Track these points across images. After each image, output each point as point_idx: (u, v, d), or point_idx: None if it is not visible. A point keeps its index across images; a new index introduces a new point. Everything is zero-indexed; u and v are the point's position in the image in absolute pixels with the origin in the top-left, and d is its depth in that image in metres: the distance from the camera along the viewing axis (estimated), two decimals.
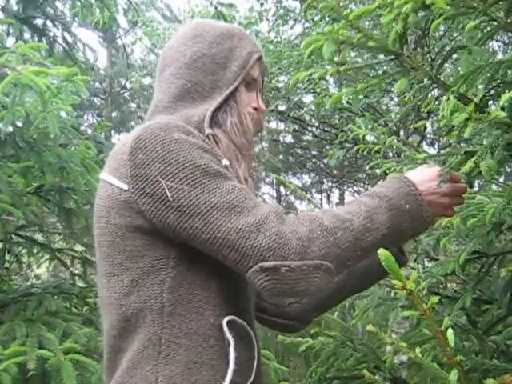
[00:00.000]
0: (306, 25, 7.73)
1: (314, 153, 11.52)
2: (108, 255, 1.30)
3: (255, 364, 1.34)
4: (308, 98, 8.53)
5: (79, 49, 5.01)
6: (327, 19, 6.81)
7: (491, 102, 1.45)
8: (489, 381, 1.12)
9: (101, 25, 4.87)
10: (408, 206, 1.32)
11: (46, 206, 4.04)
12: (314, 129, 9.78)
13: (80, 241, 4.79)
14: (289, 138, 12.22)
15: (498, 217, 1.64)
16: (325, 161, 10.01)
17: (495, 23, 1.34)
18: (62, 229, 4.83)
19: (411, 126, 6.27)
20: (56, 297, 3.55)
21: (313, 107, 7.92)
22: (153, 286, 1.26)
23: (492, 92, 1.42)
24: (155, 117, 1.42)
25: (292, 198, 13.44)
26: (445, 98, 1.38)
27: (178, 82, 1.43)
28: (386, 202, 1.31)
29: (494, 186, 2.30)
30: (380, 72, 6.52)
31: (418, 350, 1.16)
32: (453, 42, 6.35)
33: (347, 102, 7.71)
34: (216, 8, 5.25)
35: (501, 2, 1.31)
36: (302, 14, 7.61)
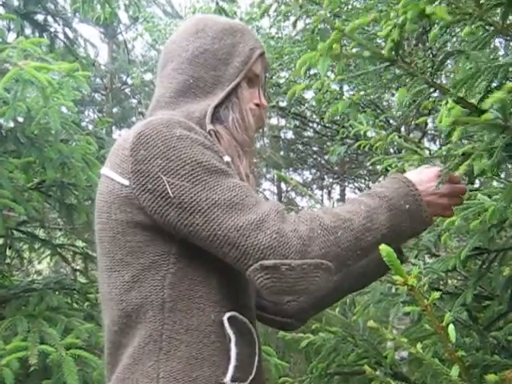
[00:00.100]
0: (308, 20, 7.71)
1: (314, 149, 11.53)
2: (109, 251, 1.30)
3: (256, 360, 1.34)
4: (309, 94, 8.53)
5: (80, 44, 5.01)
6: (328, 15, 6.80)
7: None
8: (490, 376, 1.12)
9: (102, 20, 4.87)
10: (407, 206, 1.32)
11: (47, 201, 4.04)
12: (314, 125, 9.78)
13: (81, 236, 4.80)
14: (290, 134, 12.23)
15: (498, 217, 1.64)
16: (326, 157, 10.02)
17: (492, 28, 1.34)
18: (63, 224, 4.83)
19: (412, 123, 6.27)
20: (57, 292, 3.55)
21: (314, 103, 7.92)
22: (154, 281, 1.26)
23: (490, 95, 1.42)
24: (157, 112, 1.41)
25: (293, 195, 13.44)
26: (443, 103, 1.38)
27: (180, 77, 1.43)
28: (386, 201, 1.31)
29: (495, 183, 2.30)
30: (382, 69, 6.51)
31: (419, 345, 1.16)
32: (454, 38, 6.35)
33: (349, 99, 7.71)
34: (217, 3, 5.24)
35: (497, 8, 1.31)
36: (303, 9, 7.59)
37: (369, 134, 2.82)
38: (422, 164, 1.82)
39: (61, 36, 4.65)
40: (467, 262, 2.03)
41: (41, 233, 4.81)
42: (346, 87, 7.88)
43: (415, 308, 1.16)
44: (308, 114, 9.07)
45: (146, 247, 1.27)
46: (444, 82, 6.39)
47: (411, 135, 6.14)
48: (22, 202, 3.22)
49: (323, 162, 11.49)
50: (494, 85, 1.35)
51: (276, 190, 13.45)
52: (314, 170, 12.92)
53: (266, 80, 1.55)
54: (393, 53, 1.32)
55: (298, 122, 9.53)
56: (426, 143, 7.82)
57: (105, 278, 1.33)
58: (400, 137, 2.56)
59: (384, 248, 1.05)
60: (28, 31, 4.49)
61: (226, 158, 1.32)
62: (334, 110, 1.46)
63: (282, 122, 11.52)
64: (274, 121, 11.49)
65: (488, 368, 1.65)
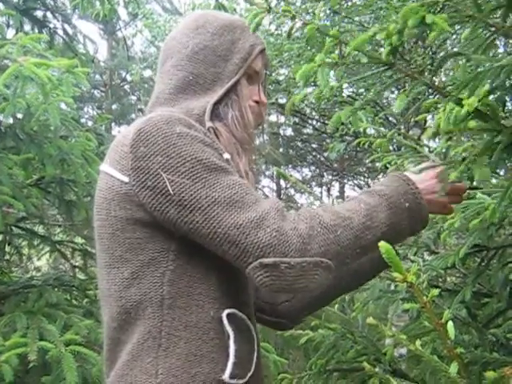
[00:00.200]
0: (307, 17, 7.71)
1: (314, 146, 11.52)
2: (108, 247, 1.30)
3: (255, 357, 1.35)
4: (308, 91, 8.51)
5: (79, 41, 5.01)
6: (328, 12, 6.80)
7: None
8: (489, 373, 1.12)
9: (101, 17, 4.86)
10: (407, 205, 1.33)
11: (46, 198, 4.04)
12: (314, 122, 9.78)
13: (80, 233, 4.80)
14: (289, 131, 12.21)
15: (498, 216, 1.64)
16: (325, 154, 10.01)
17: (492, 29, 1.33)
18: (63, 221, 4.83)
19: (412, 120, 6.27)
20: (56, 289, 3.56)
21: (313, 100, 7.91)
22: (153, 278, 1.26)
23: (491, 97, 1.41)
24: (156, 109, 1.41)
25: (292, 192, 13.44)
26: (442, 107, 1.38)
27: (180, 73, 1.43)
28: (386, 200, 1.31)
29: (493, 181, 2.30)
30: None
31: (418, 342, 1.16)
32: (454, 36, 6.34)
33: (349, 96, 7.72)
34: (217, 0, 5.23)
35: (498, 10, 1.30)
36: (303, 6, 7.59)
37: (368, 131, 2.82)
38: (421, 161, 1.82)
39: (60, 32, 4.64)
40: (466, 259, 2.03)
41: (40, 229, 4.81)
42: (345, 84, 7.88)
43: (414, 305, 1.16)
44: (307, 110, 9.06)
45: (145, 244, 1.27)
46: (443, 79, 6.40)
47: (410, 132, 6.13)
48: (22, 198, 3.22)
49: (322, 159, 11.47)
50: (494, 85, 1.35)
51: (275, 187, 13.45)
52: (313, 167, 12.90)
53: (266, 77, 1.55)
54: (391, 57, 1.32)
55: (297, 119, 9.52)
56: (425, 140, 7.81)
57: (104, 274, 1.33)
58: (399, 134, 2.55)
59: (383, 245, 1.05)
60: (27, 27, 4.48)
61: (226, 156, 1.32)
62: (336, 119, 1.45)
63: (282, 118, 11.51)
64: (273, 118, 11.48)
65: (487, 365, 1.65)
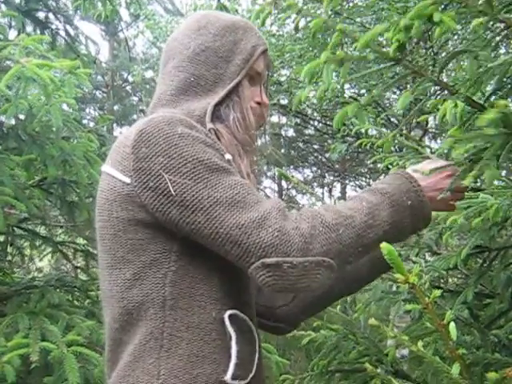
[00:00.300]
0: (309, 18, 7.71)
1: (315, 147, 11.52)
2: (110, 248, 1.30)
3: (256, 358, 1.34)
4: (310, 92, 8.52)
5: (81, 42, 5.01)
6: (330, 13, 6.79)
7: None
8: (490, 374, 1.12)
9: (103, 18, 4.87)
10: (409, 203, 1.32)
11: (48, 199, 4.05)
12: (315, 123, 9.78)
13: (82, 234, 4.80)
14: (291, 132, 12.21)
15: (502, 214, 1.64)
16: (327, 155, 10.01)
17: (502, 25, 1.32)
18: (65, 222, 4.84)
19: (413, 121, 6.27)
20: (58, 290, 3.56)
21: (315, 101, 7.92)
22: (155, 279, 1.26)
23: (499, 93, 1.41)
24: (158, 110, 1.41)
25: (294, 192, 13.44)
26: (449, 102, 1.37)
27: (181, 75, 1.42)
28: (388, 198, 1.31)
29: (495, 181, 2.30)
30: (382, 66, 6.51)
31: (419, 343, 1.16)
32: (455, 37, 6.34)
33: (350, 97, 7.71)
34: (219, 1, 5.23)
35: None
36: (305, 6, 7.59)
37: (370, 132, 2.82)
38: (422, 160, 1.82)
39: (62, 33, 4.65)
40: (468, 260, 2.03)
41: (42, 230, 4.81)
42: (347, 85, 7.88)
43: (416, 306, 1.16)
44: (309, 111, 9.06)
45: (147, 245, 1.27)
46: (445, 80, 6.39)
47: (412, 133, 6.14)
48: (24, 199, 3.22)
49: (324, 159, 11.47)
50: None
51: (277, 188, 13.45)
52: (314, 168, 12.90)
53: (268, 77, 1.55)
54: (398, 53, 1.32)
55: (298, 120, 9.52)
56: (427, 141, 7.82)
57: (106, 275, 1.33)
58: (401, 135, 2.56)
59: (385, 246, 1.05)
60: (29, 28, 4.49)
61: (227, 156, 1.32)
62: (342, 114, 1.44)
63: (283, 119, 11.51)
64: (274, 118, 11.49)
65: (489, 366, 1.65)
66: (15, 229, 4.07)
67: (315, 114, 9.10)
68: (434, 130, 8.56)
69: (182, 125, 1.27)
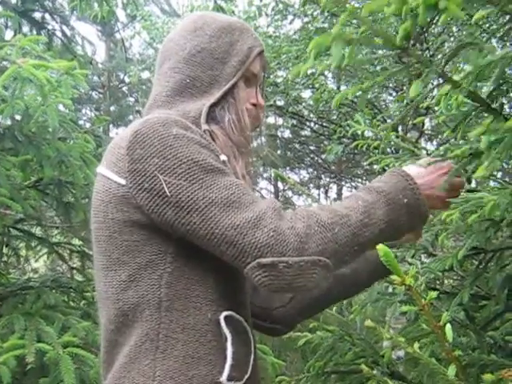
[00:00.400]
0: (305, 20, 7.73)
1: (312, 148, 11.53)
2: (105, 250, 1.30)
3: (252, 359, 1.34)
4: (306, 94, 8.53)
5: (78, 42, 5.01)
6: (326, 14, 6.81)
7: (501, 97, 1.42)
8: (487, 376, 1.12)
9: (99, 18, 4.86)
10: (406, 201, 1.32)
11: (44, 199, 4.04)
12: (312, 124, 9.79)
13: (78, 235, 4.79)
14: (287, 133, 12.22)
15: (498, 211, 1.63)
16: (323, 156, 10.02)
17: (507, 17, 1.31)
18: (60, 223, 4.83)
19: (410, 122, 6.28)
20: (54, 290, 3.55)
21: (311, 102, 7.93)
22: (150, 280, 1.26)
23: (503, 87, 1.40)
24: (153, 111, 1.41)
25: (290, 193, 13.45)
26: (444, 91, 1.36)
27: (177, 76, 1.42)
28: (384, 196, 1.30)
29: (491, 183, 2.31)
30: (378, 68, 6.53)
31: (416, 345, 1.16)
32: (452, 38, 6.35)
33: (346, 98, 7.71)
34: (215, 2, 5.23)
35: None
36: (301, 8, 7.60)
37: (366, 133, 2.82)
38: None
39: (58, 34, 4.64)
40: (464, 261, 2.03)
41: (37, 231, 4.81)
42: (343, 87, 7.90)
43: (412, 308, 1.16)
44: (305, 113, 9.07)
45: (142, 246, 1.27)
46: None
47: (408, 135, 6.14)
48: (20, 200, 3.22)
49: (320, 161, 11.48)
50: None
51: (273, 189, 13.46)
52: (311, 169, 12.91)
53: (264, 79, 1.55)
54: (404, 41, 1.30)
55: (295, 121, 9.53)
56: (423, 143, 7.83)
57: (101, 276, 1.33)
58: (397, 137, 2.56)
59: (381, 248, 1.05)
60: (25, 29, 4.48)
61: (223, 157, 1.32)
62: (342, 95, 1.42)
63: (280, 120, 11.52)
64: (271, 120, 11.49)
65: (485, 367, 1.65)
66: (11, 229, 4.06)
67: (311, 116, 9.10)
68: (430, 132, 8.57)
69: (177, 126, 1.27)
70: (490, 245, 2.01)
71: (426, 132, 8.27)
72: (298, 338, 2.39)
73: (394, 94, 7.63)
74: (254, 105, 1.48)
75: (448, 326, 1.15)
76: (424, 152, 2.40)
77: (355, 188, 11.79)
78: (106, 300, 1.32)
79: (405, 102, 6.18)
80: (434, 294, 1.12)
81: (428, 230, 2.15)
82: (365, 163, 8.99)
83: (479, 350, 1.87)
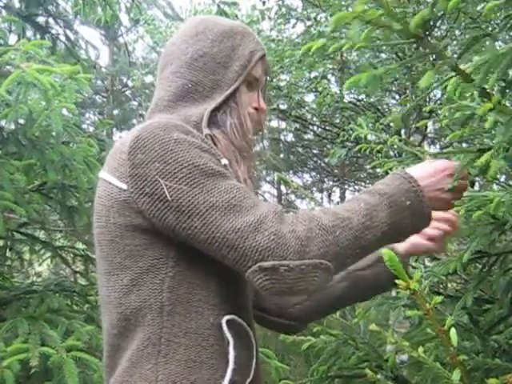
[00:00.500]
0: (308, 23, 7.73)
1: (315, 152, 11.52)
2: (108, 254, 1.31)
3: (254, 363, 1.34)
4: (309, 97, 8.54)
5: (81, 46, 5.02)
6: (329, 19, 6.80)
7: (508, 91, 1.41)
8: (491, 380, 1.12)
9: (103, 23, 4.88)
10: (409, 203, 1.30)
11: (47, 203, 4.04)
12: (315, 128, 9.78)
13: (81, 238, 4.79)
14: (290, 137, 12.22)
15: (503, 208, 1.62)
16: (326, 160, 10.01)
17: None
18: (64, 226, 4.83)
19: (413, 126, 6.27)
20: (57, 294, 3.55)
21: (314, 106, 7.93)
22: (152, 285, 1.26)
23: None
24: (155, 115, 1.42)
25: (293, 197, 13.44)
26: (452, 81, 1.34)
27: (179, 81, 1.43)
28: (387, 198, 1.30)
29: (494, 186, 2.31)
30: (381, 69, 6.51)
31: (420, 349, 1.16)
32: (454, 42, 6.35)
33: (349, 102, 7.72)
34: (219, 6, 5.24)
35: None
36: (304, 12, 7.61)
37: (369, 137, 2.82)
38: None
39: (62, 38, 4.65)
40: (468, 265, 2.03)
41: (41, 235, 4.81)
42: (346, 91, 7.89)
43: (417, 312, 1.16)
44: (308, 116, 9.07)
45: (144, 251, 1.27)
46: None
47: (411, 138, 6.14)
48: (23, 203, 3.22)
49: (323, 164, 11.47)
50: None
51: (276, 193, 13.45)
52: (314, 173, 12.90)
53: (266, 83, 1.55)
54: (420, 30, 1.28)
55: (298, 125, 9.53)
56: (426, 146, 7.83)
57: (104, 281, 1.33)
58: (400, 140, 2.56)
59: (386, 252, 1.05)
60: (29, 33, 4.50)
61: (224, 161, 1.32)
62: (355, 80, 1.40)
63: (283, 124, 11.53)
64: (274, 123, 11.50)
65: (489, 371, 1.65)
66: (15, 233, 4.07)
67: (315, 119, 9.10)
68: (433, 135, 8.57)
69: (178, 130, 1.27)
70: (494, 248, 2.01)
71: (429, 135, 8.27)
72: (302, 342, 2.39)
73: (397, 97, 7.63)
74: (256, 109, 1.48)
75: (453, 330, 1.14)
76: (427, 155, 2.40)
77: (358, 191, 11.77)
78: (109, 304, 1.32)
79: (408, 105, 6.18)
80: (438, 298, 1.12)
81: None
82: (368, 167, 9.00)
83: (483, 354, 1.86)
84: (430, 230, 1.54)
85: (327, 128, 9.07)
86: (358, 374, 2.23)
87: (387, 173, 2.28)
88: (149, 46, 11.75)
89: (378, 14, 1.22)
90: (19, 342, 2.76)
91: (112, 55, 12.41)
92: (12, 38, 4.21)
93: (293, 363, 6.50)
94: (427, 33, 1.27)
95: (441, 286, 2.48)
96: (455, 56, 1.27)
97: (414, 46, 5.38)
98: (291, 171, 12.47)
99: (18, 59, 3.00)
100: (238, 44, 1.45)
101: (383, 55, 7.05)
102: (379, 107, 7.76)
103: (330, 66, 7.71)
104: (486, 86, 1.27)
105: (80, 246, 4.74)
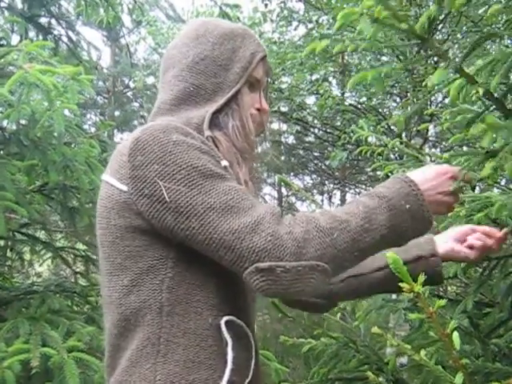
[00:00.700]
0: (310, 26, 7.74)
1: (316, 154, 11.52)
2: (109, 255, 1.32)
3: (253, 364, 1.34)
4: (311, 100, 8.55)
5: (83, 47, 5.02)
6: (331, 21, 6.82)
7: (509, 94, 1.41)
8: None
9: (105, 24, 4.88)
10: (408, 206, 1.31)
11: (48, 204, 4.05)
12: (316, 130, 9.79)
13: (82, 239, 4.80)
14: (291, 139, 12.22)
15: (505, 211, 1.62)
16: (327, 162, 10.02)
17: None
18: (64, 227, 4.84)
19: (414, 129, 6.28)
20: (58, 295, 3.55)
21: (315, 108, 7.94)
22: (152, 285, 1.27)
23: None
24: (157, 118, 1.43)
25: (293, 199, 13.43)
26: (456, 84, 1.34)
27: (181, 84, 1.44)
28: (386, 202, 1.30)
29: (495, 190, 2.31)
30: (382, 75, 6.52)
31: (423, 352, 1.16)
32: (456, 45, 6.36)
33: (350, 104, 7.73)
34: (221, 8, 5.24)
35: None
36: (306, 14, 7.61)
37: (370, 139, 2.82)
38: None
39: (64, 39, 4.66)
40: (468, 268, 2.03)
41: (42, 235, 4.81)
42: (347, 93, 7.91)
43: (420, 316, 1.16)
44: (309, 119, 9.07)
45: (144, 252, 1.28)
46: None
47: (412, 141, 6.15)
48: (25, 204, 3.22)
49: (324, 167, 11.47)
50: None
51: (276, 195, 13.44)
52: (314, 175, 12.89)
53: (268, 83, 1.55)
54: (425, 30, 1.27)
55: (299, 127, 9.54)
56: (427, 149, 7.83)
57: (106, 281, 1.34)
58: (401, 143, 2.56)
59: (390, 255, 1.05)
60: (31, 34, 4.50)
61: (224, 163, 1.33)
62: (361, 77, 1.39)
63: (284, 126, 11.52)
64: (275, 126, 11.50)
65: (489, 375, 1.65)
66: (16, 234, 4.07)
67: (316, 122, 9.11)
68: (434, 139, 8.57)
69: (177, 132, 1.28)
70: (494, 252, 2.01)
71: (430, 138, 8.27)
72: (302, 344, 2.39)
73: (399, 100, 7.63)
74: (259, 110, 1.49)
75: (455, 333, 1.14)
76: (428, 158, 2.40)
77: (359, 194, 11.75)
78: (110, 305, 1.33)
79: (409, 108, 6.18)
80: (442, 302, 1.12)
81: None
82: (369, 169, 9.01)
83: (483, 357, 1.86)
84: (473, 240, 1.56)
85: (328, 131, 9.08)
86: (358, 376, 2.23)
87: (388, 175, 2.29)
88: (151, 47, 11.76)
89: (384, 13, 1.22)
90: (20, 343, 2.76)
91: (114, 56, 12.40)
92: (14, 39, 4.22)
93: (292, 365, 6.50)
94: (431, 34, 1.27)
95: (441, 289, 2.48)
96: (457, 59, 1.27)
97: (416, 49, 5.39)
98: (292, 173, 12.47)
99: (21, 60, 3.01)
100: (239, 46, 1.46)
101: (384, 58, 7.05)
102: (380, 110, 7.77)
103: (332, 69, 7.72)
104: (491, 88, 1.27)
105: (81, 246, 4.74)
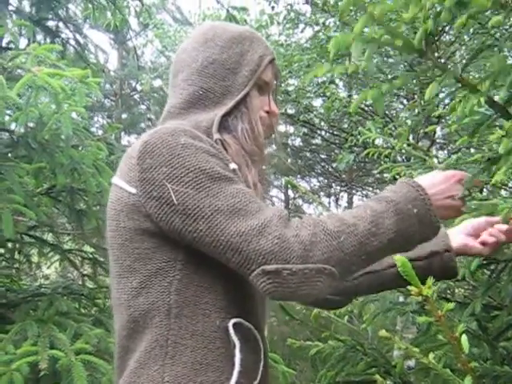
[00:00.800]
0: (317, 28, 7.75)
1: (322, 156, 11.53)
2: (118, 257, 1.32)
3: (261, 366, 1.34)
4: (318, 102, 8.55)
5: (90, 50, 5.04)
6: (337, 23, 6.82)
7: None
8: None
9: (112, 27, 4.90)
10: (416, 211, 1.31)
11: (56, 206, 4.06)
12: (323, 132, 9.79)
13: (89, 242, 4.81)
14: (298, 142, 12.23)
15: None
16: (334, 164, 10.02)
17: None
18: (72, 230, 4.85)
19: (421, 131, 6.27)
20: (65, 297, 3.56)
21: (322, 111, 7.94)
22: (160, 287, 1.28)
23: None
24: (167, 122, 1.44)
25: (300, 202, 13.44)
26: (460, 95, 1.34)
27: (190, 88, 1.45)
28: (393, 206, 1.30)
29: (503, 192, 2.30)
30: (389, 77, 6.52)
31: (431, 355, 1.16)
32: (463, 47, 6.34)
33: (359, 108, 7.72)
34: (228, 11, 5.25)
35: None
36: (313, 17, 7.62)
37: (377, 141, 2.81)
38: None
39: (72, 42, 4.67)
40: (476, 271, 2.02)
41: (49, 238, 4.83)
42: (354, 96, 7.90)
43: (428, 319, 1.16)
44: (316, 121, 9.08)
45: (153, 254, 1.28)
46: None
47: (420, 144, 6.14)
48: (33, 207, 3.24)
49: (331, 169, 11.47)
50: None
51: (283, 197, 13.45)
52: (321, 178, 12.90)
53: (277, 86, 1.56)
54: (423, 43, 1.27)
55: (306, 130, 9.54)
56: (434, 152, 7.82)
57: (115, 283, 1.35)
58: (409, 145, 2.56)
59: (399, 258, 1.05)
60: (39, 37, 4.52)
61: (233, 166, 1.33)
62: (361, 98, 1.40)
63: (291, 129, 11.54)
64: (282, 128, 11.51)
65: (498, 378, 1.64)
66: (24, 236, 4.08)
67: (322, 124, 9.11)
68: (441, 141, 8.56)
69: (186, 135, 1.29)
70: (503, 255, 2.00)
71: (438, 141, 8.26)
72: (309, 347, 2.39)
73: (406, 102, 7.62)
74: (268, 112, 1.50)
75: (464, 336, 1.14)
76: (435, 160, 2.40)
77: (366, 196, 11.76)
78: (120, 307, 1.33)
79: (416, 110, 6.18)
80: (450, 305, 1.11)
81: None
82: (376, 172, 9.00)
83: (492, 360, 1.86)
84: (486, 236, 1.57)
85: (335, 133, 9.08)
86: (365, 379, 2.22)
87: (395, 178, 2.28)
88: (158, 50, 11.78)
89: (379, 33, 1.22)
90: (28, 345, 2.77)
91: (121, 59, 12.42)
92: (22, 42, 4.23)
93: (299, 368, 6.49)
94: (432, 42, 1.27)
95: (448, 292, 2.47)
96: (461, 65, 1.27)
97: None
98: (299, 176, 12.47)
99: (29, 63, 3.02)
100: (247, 50, 1.47)
101: (391, 60, 7.05)
102: (387, 112, 7.76)
103: (345, 65, 7.70)
104: (496, 98, 1.27)
105: (88, 249, 4.75)
